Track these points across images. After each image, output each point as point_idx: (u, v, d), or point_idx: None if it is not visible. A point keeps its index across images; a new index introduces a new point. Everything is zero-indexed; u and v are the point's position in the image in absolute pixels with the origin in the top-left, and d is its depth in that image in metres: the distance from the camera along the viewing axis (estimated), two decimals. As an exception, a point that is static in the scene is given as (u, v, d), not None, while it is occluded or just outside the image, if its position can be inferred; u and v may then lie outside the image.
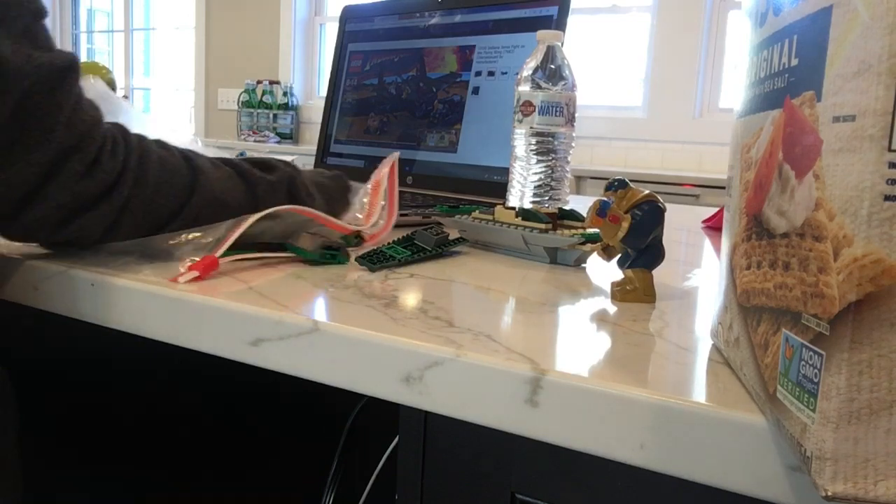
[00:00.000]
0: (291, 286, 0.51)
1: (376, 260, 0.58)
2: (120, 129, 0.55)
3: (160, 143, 0.57)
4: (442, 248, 0.64)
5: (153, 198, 0.54)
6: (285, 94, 4.34)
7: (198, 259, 0.52)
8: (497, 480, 0.42)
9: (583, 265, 0.65)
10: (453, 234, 0.68)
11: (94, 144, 0.51)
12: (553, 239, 0.62)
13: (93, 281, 0.51)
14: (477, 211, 0.71)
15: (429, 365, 0.39)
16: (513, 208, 0.68)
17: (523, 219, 0.65)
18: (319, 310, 0.45)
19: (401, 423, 0.45)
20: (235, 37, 4.62)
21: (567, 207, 0.71)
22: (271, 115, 4.31)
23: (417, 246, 0.63)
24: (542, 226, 0.64)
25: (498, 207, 0.68)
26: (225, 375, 0.91)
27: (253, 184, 0.61)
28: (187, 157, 0.58)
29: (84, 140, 0.51)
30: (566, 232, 0.63)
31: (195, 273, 0.50)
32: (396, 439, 0.46)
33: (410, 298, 0.50)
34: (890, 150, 0.23)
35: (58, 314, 0.54)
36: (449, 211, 0.72)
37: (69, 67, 0.51)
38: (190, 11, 4.75)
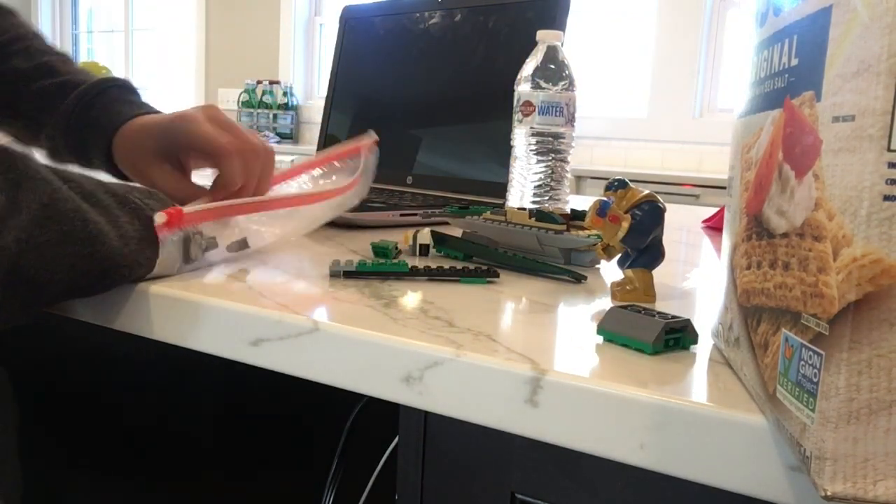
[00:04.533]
0: (291, 286, 0.51)
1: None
2: None
3: None
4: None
5: None
6: (285, 94, 4.34)
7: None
8: (497, 480, 0.42)
9: (597, 266, 0.65)
10: (455, 233, 0.68)
11: None
12: (570, 240, 0.62)
13: (93, 281, 0.51)
14: (489, 212, 0.70)
15: (429, 365, 0.39)
16: (524, 209, 0.67)
17: (537, 220, 0.65)
18: (319, 310, 0.45)
19: (401, 423, 0.45)
20: (235, 37, 4.62)
21: (567, 208, 0.71)
22: (271, 115, 4.32)
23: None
24: (558, 227, 0.63)
25: (509, 208, 0.68)
26: (225, 375, 0.91)
27: None
28: None
29: None
30: (581, 233, 0.63)
31: (165, 217, 0.49)
32: (396, 439, 0.46)
33: (410, 298, 0.50)
34: (889, 149, 0.23)
35: (57, 314, 0.54)
36: (459, 212, 0.72)
37: None
38: (190, 11, 4.75)
